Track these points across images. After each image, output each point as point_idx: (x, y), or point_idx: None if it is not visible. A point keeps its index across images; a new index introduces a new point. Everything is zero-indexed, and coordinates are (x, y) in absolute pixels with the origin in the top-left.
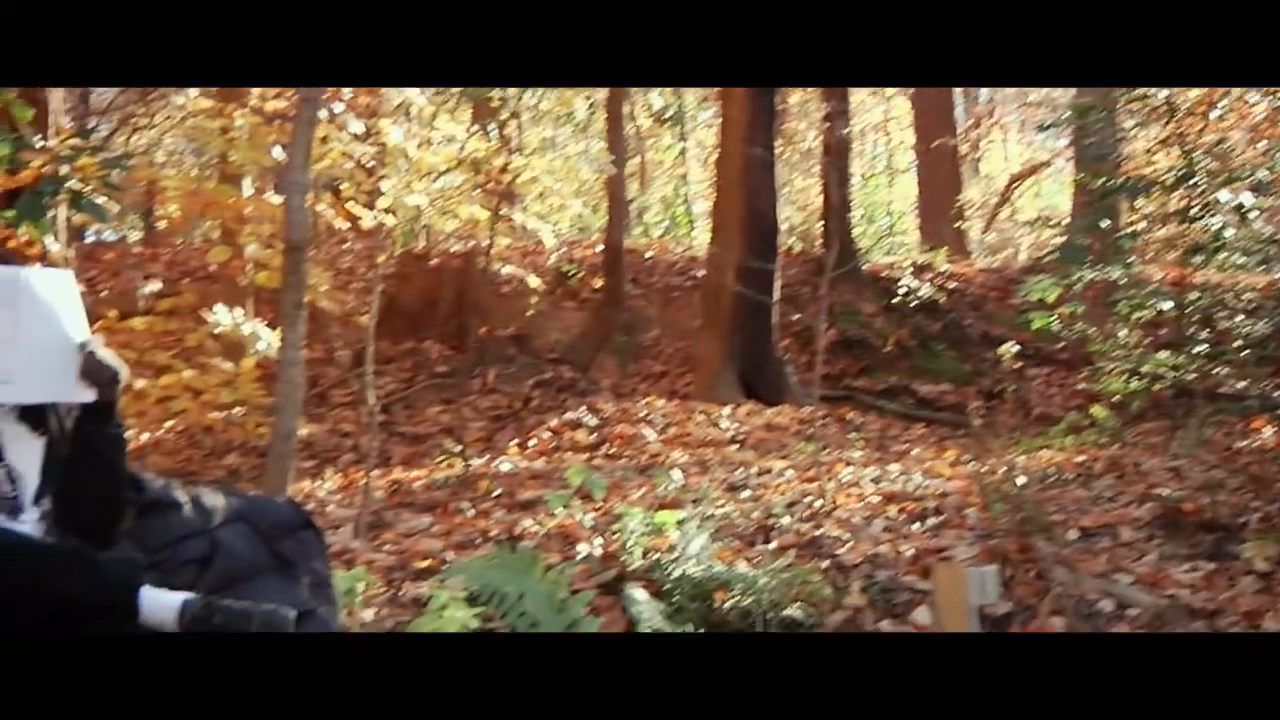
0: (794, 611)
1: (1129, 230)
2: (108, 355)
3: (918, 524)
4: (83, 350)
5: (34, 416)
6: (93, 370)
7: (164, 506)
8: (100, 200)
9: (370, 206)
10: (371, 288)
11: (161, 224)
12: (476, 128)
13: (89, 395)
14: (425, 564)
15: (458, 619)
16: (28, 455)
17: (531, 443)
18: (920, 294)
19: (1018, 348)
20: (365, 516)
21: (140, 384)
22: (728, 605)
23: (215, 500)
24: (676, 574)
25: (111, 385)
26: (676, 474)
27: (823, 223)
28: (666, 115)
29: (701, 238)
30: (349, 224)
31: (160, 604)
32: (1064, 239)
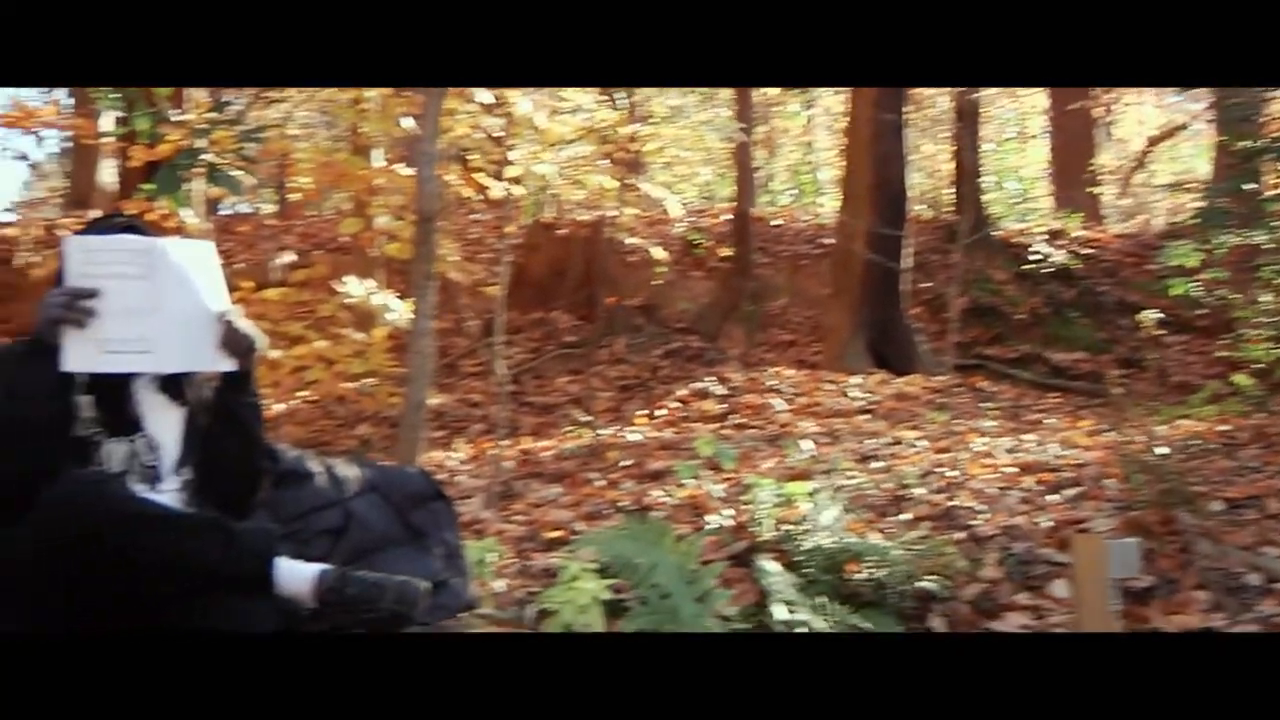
0: (928, 584)
1: (1274, 193)
2: (246, 324)
3: (1055, 495)
4: (221, 320)
5: (173, 387)
6: (231, 339)
7: (298, 477)
8: (235, 173)
9: (498, 177)
10: (500, 258)
11: (294, 196)
12: (604, 97)
13: (228, 364)
14: (555, 534)
15: (589, 590)
16: (167, 425)
17: (660, 413)
18: (1053, 260)
19: (1158, 314)
20: (495, 486)
21: (274, 354)
22: (860, 577)
23: (348, 471)
24: (808, 545)
25: (249, 354)
26: (807, 444)
27: (953, 189)
28: None
29: (829, 205)
30: (477, 194)
31: (295, 575)
32: (1204, 203)
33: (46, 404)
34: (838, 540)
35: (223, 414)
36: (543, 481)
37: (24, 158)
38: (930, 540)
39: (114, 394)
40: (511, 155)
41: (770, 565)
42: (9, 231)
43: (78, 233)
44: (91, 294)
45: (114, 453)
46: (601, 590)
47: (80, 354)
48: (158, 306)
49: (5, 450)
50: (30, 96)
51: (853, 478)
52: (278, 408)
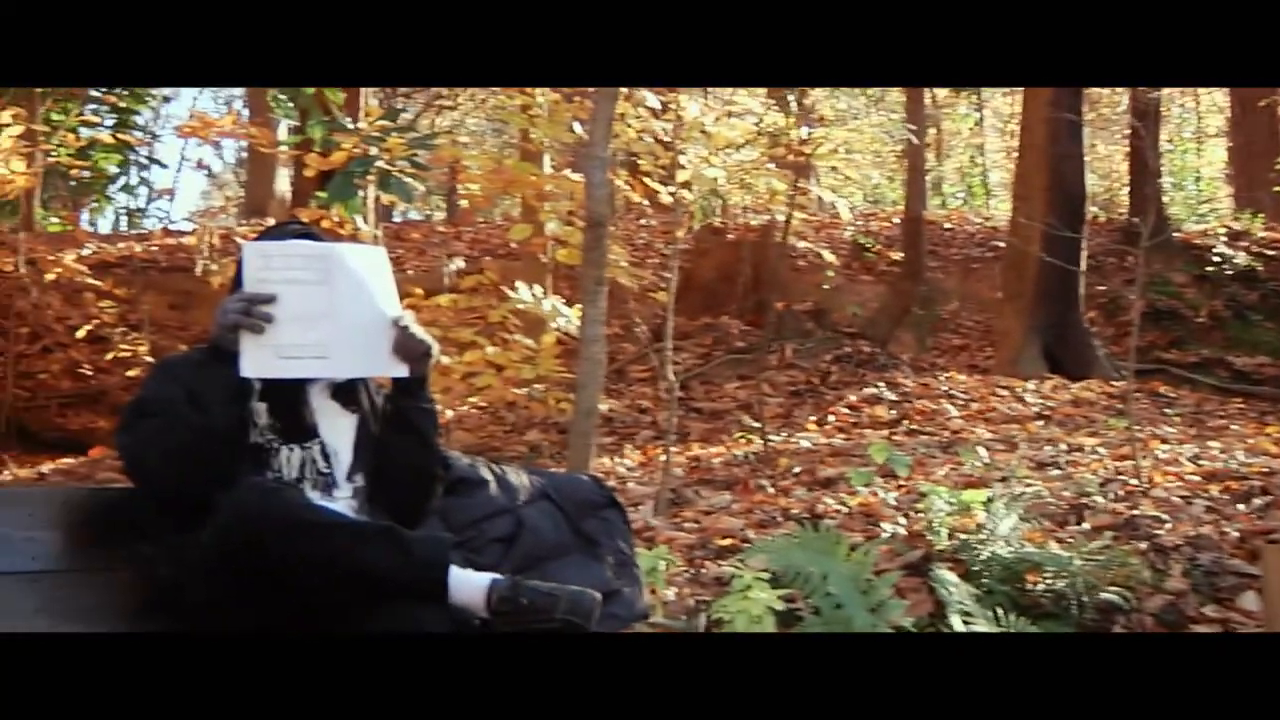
0: (1110, 595)
1: None
2: (419, 330)
3: (1243, 504)
4: (395, 325)
5: (346, 393)
6: (406, 345)
7: (470, 484)
8: (407, 180)
9: (667, 181)
10: (670, 263)
11: (463, 203)
12: (772, 100)
13: (401, 370)
14: (726, 542)
15: (762, 600)
16: (340, 432)
17: (830, 419)
18: (1235, 262)
19: None
20: (665, 493)
21: (445, 361)
22: (1040, 588)
23: (520, 478)
24: (985, 555)
25: (423, 360)
26: (982, 451)
27: (1128, 189)
28: None
29: (999, 208)
30: (646, 199)
31: (468, 584)
32: None
33: (224, 411)
34: (1016, 550)
35: (397, 421)
36: (713, 488)
37: (203, 168)
38: (1112, 550)
39: (289, 401)
40: (680, 159)
41: (947, 575)
42: (188, 240)
43: (254, 239)
44: (268, 299)
45: (289, 460)
46: (774, 600)
47: (257, 360)
48: (333, 312)
49: (185, 456)
50: (209, 107)
51: (1030, 485)
52: (448, 414)
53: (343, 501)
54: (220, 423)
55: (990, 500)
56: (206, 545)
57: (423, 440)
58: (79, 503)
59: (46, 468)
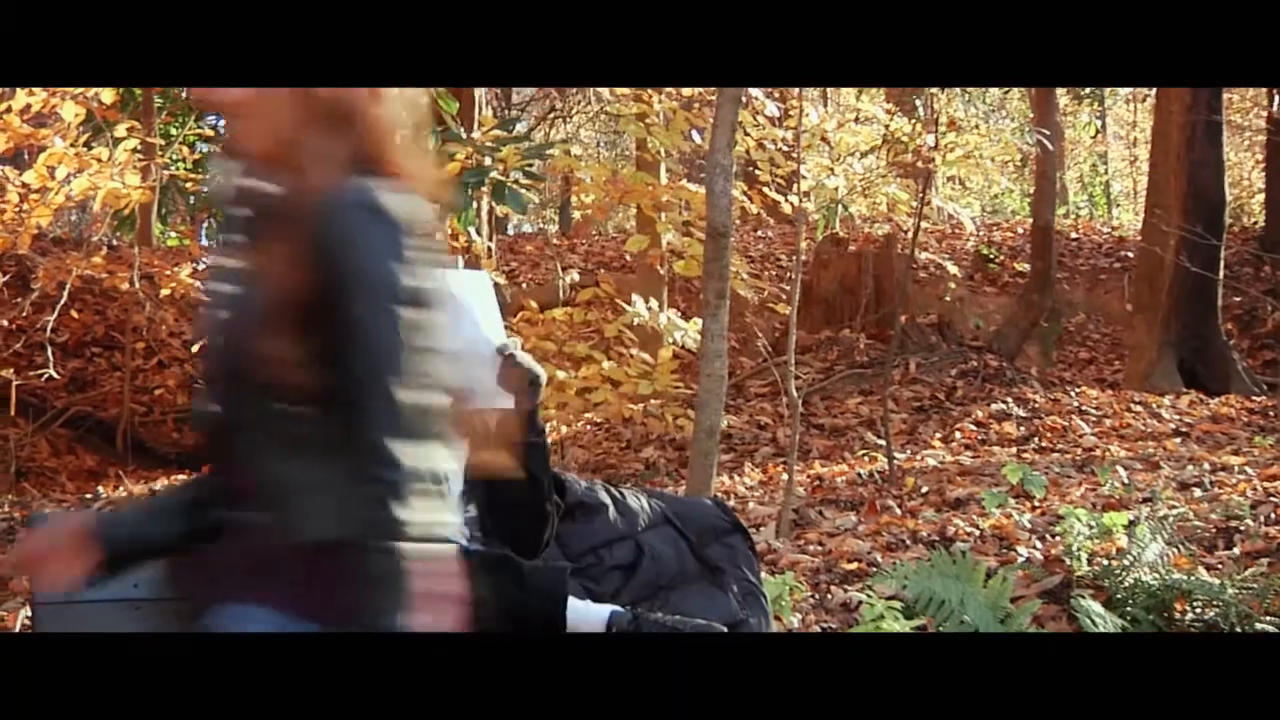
0: (1266, 625)
1: None
2: (526, 360)
3: None
4: (501, 354)
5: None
6: (511, 375)
7: (589, 509)
8: (521, 191)
9: (785, 191)
10: (790, 274)
11: (578, 215)
12: (896, 106)
13: (507, 402)
14: (852, 566)
15: (895, 631)
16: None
17: (957, 436)
18: None
19: None
20: (788, 514)
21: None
22: (1189, 618)
23: (640, 501)
24: (1129, 582)
25: (531, 391)
26: (1121, 471)
27: (1264, 195)
28: (1085, 91)
29: (1121, 218)
30: (764, 210)
31: (587, 616)
32: None
33: None
34: (1162, 576)
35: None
36: (837, 509)
37: None
38: (1269, 578)
39: None
40: (802, 169)
41: (1091, 604)
42: None
43: None
44: None
45: None
46: (908, 631)
47: None
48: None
49: None
50: None
51: (1174, 508)
52: (562, 430)
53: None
54: None
55: (1133, 523)
56: None
57: (531, 478)
58: None
59: (159, 484)
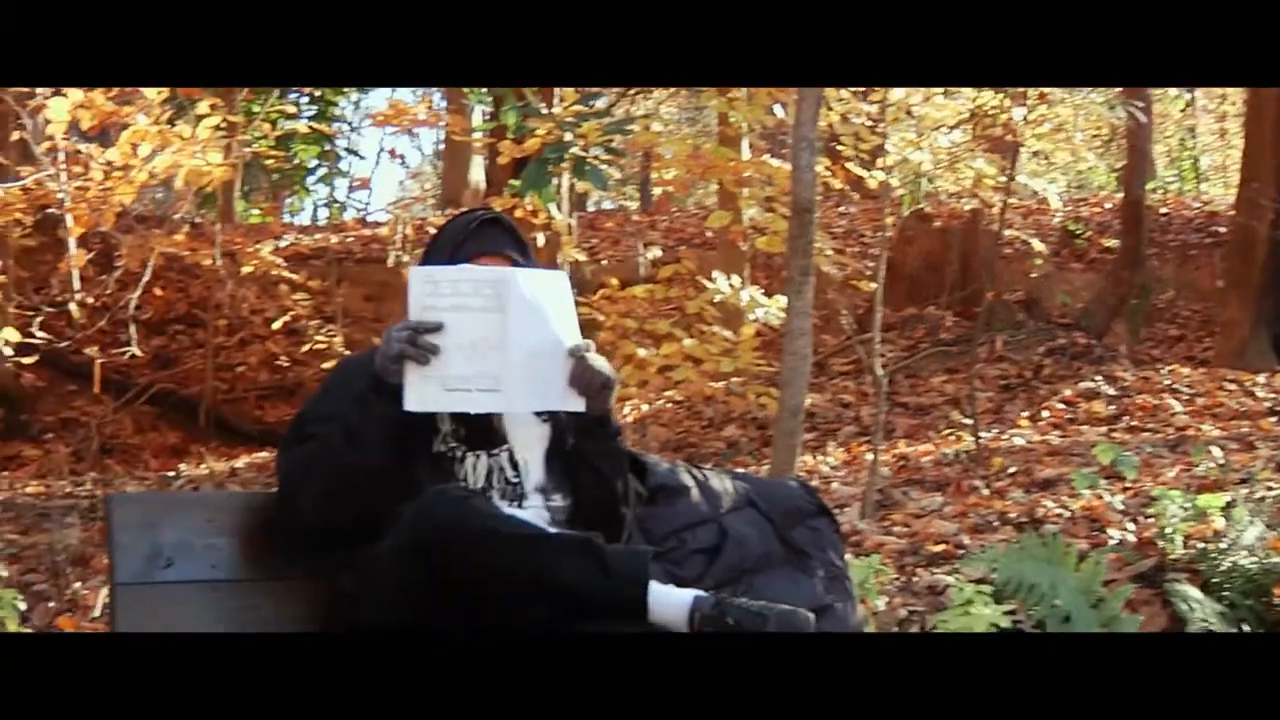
0: None
1: None
2: (599, 362)
3: None
4: (573, 356)
5: None
6: (583, 377)
7: (670, 491)
8: (602, 167)
9: (870, 166)
10: (875, 250)
11: (658, 191)
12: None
13: (579, 405)
14: (939, 548)
15: (985, 617)
16: (531, 442)
17: (1044, 415)
18: None
19: None
20: (872, 495)
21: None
22: None
23: (723, 483)
24: (1226, 565)
25: (603, 394)
26: (1216, 451)
27: None
28: None
29: (1211, 192)
30: (848, 185)
31: (669, 602)
32: None
33: (382, 450)
34: (1261, 560)
35: (577, 460)
36: (923, 490)
37: (396, 157)
38: None
39: (483, 419)
40: (887, 144)
41: (1188, 589)
42: (383, 231)
43: (440, 232)
44: (435, 328)
45: (475, 468)
46: (999, 616)
47: (422, 393)
48: (505, 341)
49: (334, 499)
50: (407, 98)
51: (1272, 489)
52: (644, 408)
53: (533, 512)
54: (378, 463)
55: (1230, 505)
56: (389, 556)
57: (605, 484)
58: (259, 508)
59: (241, 462)
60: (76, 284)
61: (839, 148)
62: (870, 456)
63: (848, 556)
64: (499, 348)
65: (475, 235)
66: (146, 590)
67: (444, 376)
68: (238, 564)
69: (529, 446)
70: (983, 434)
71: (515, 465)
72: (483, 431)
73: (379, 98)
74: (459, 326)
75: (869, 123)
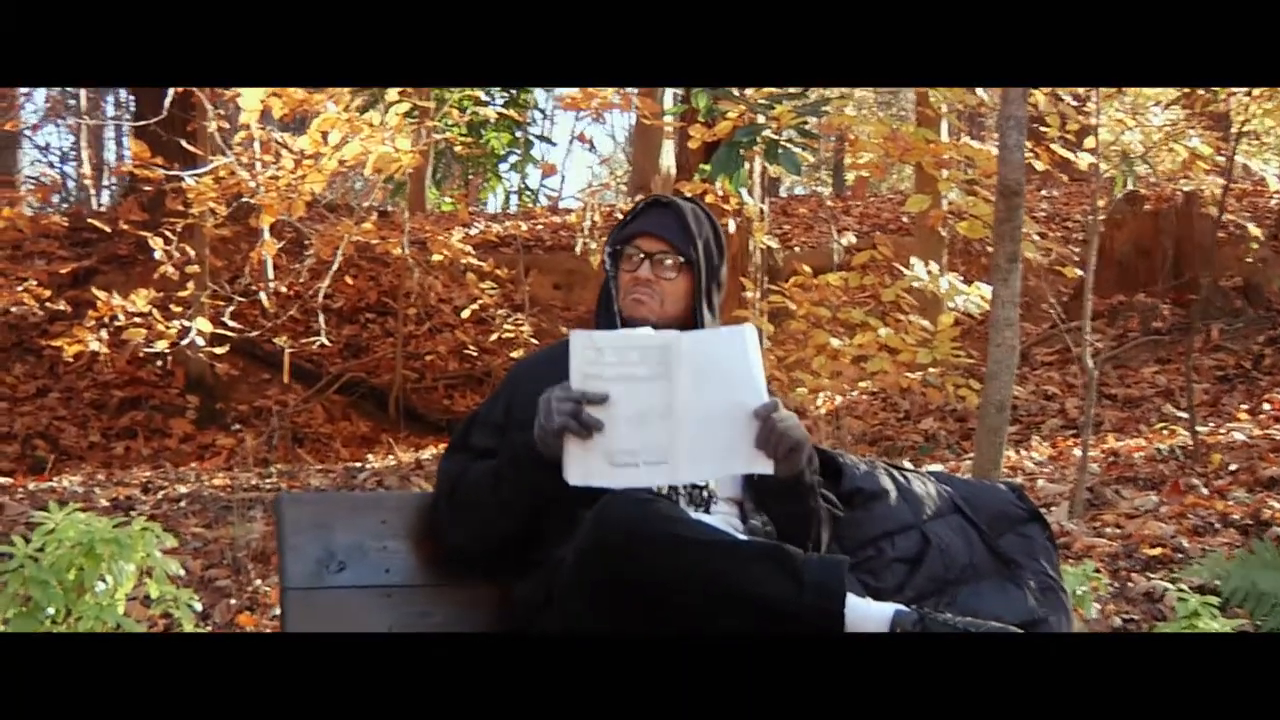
0: None
1: None
2: (787, 422)
3: None
4: (757, 418)
5: None
6: (769, 441)
7: (868, 496)
8: (796, 150)
9: (1076, 147)
10: (1083, 235)
11: (852, 175)
12: None
13: (766, 467)
14: (1155, 551)
15: (1213, 630)
16: None
17: (1265, 408)
18: None
19: None
20: (1081, 493)
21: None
22: None
23: (925, 487)
24: None
25: (792, 457)
26: None
27: None
28: None
29: None
30: (1051, 167)
31: (868, 616)
32: None
33: (534, 515)
34: None
35: (768, 517)
36: (1135, 488)
37: (584, 141)
38: None
39: None
40: (1095, 122)
41: None
42: (571, 218)
43: (617, 231)
44: (600, 399)
45: None
46: (1228, 631)
47: (585, 466)
48: (674, 410)
49: (488, 536)
50: None
51: None
52: (837, 400)
53: (720, 519)
54: (527, 526)
55: None
56: (571, 562)
57: (796, 538)
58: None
59: (428, 453)
60: (270, 273)
61: (1042, 129)
62: (1078, 452)
63: (1066, 568)
64: (667, 417)
65: (640, 216)
66: (317, 595)
67: (609, 450)
68: (413, 568)
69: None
70: (1199, 428)
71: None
72: None
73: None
74: (625, 397)
75: (1075, 102)
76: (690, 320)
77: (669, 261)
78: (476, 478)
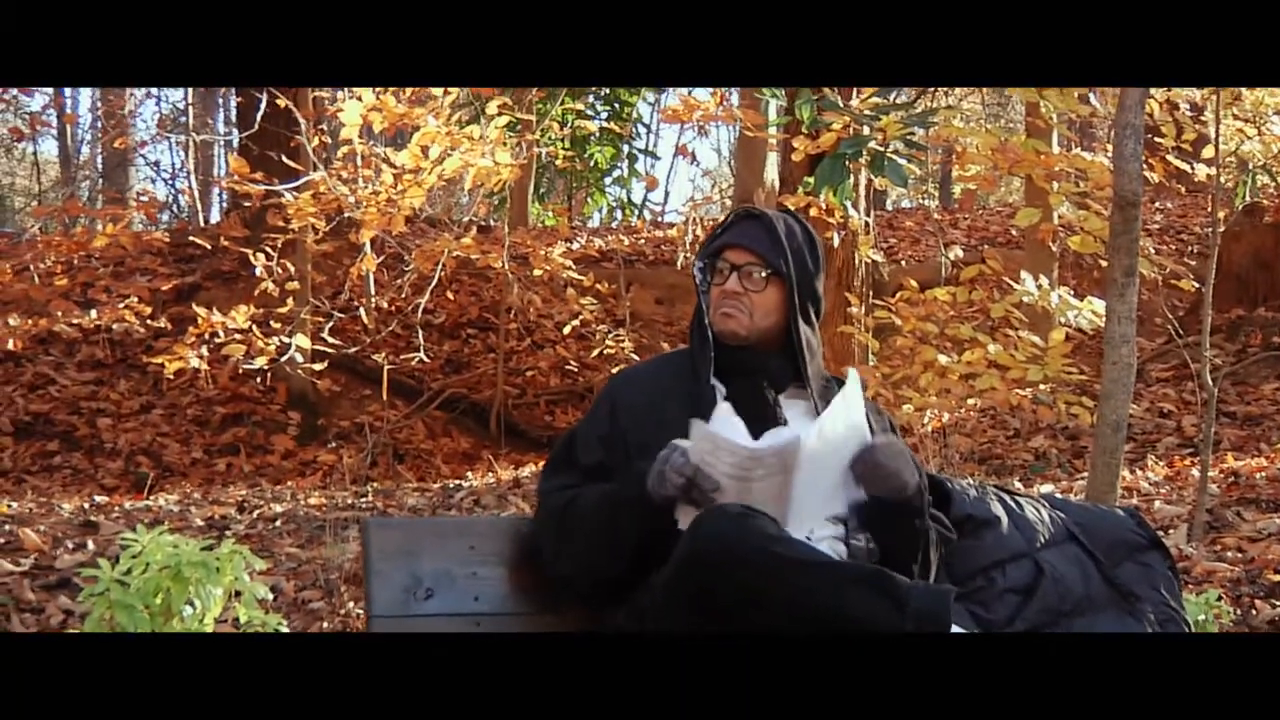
0: None
1: None
2: (882, 456)
3: None
4: (861, 459)
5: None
6: (874, 478)
7: (978, 523)
8: (901, 163)
9: (1189, 159)
10: (1199, 248)
11: (958, 188)
12: None
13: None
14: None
15: None
16: (821, 462)
17: None
18: None
19: None
20: (1201, 515)
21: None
22: None
23: (1039, 514)
24: None
25: (901, 493)
26: None
27: None
28: None
29: None
30: (1166, 178)
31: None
32: None
33: (640, 553)
34: None
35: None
36: (1258, 510)
37: (685, 154)
38: None
39: (757, 428)
40: (1211, 132)
41: None
42: (673, 233)
43: (707, 244)
44: (713, 487)
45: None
46: None
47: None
48: (789, 498)
49: (584, 567)
50: (698, 92)
51: None
52: (945, 417)
53: (825, 543)
54: (633, 563)
55: None
56: (663, 578)
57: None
58: (525, 535)
59: (527, 470)
60: (372, 288)
61: (1158, 141)
62: (1196, 472)
63: (1189, 597)
64: (780, 500)
65: (729, 229)
66: (404, 624)
67: None
68: (503, 595)
69: (819, 468)
70: None
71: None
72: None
73: (675, 96)
74: (738, 492)
75: (1191, 111)
76: (784, 334)
77: (757, 274)
78: (588, 508)
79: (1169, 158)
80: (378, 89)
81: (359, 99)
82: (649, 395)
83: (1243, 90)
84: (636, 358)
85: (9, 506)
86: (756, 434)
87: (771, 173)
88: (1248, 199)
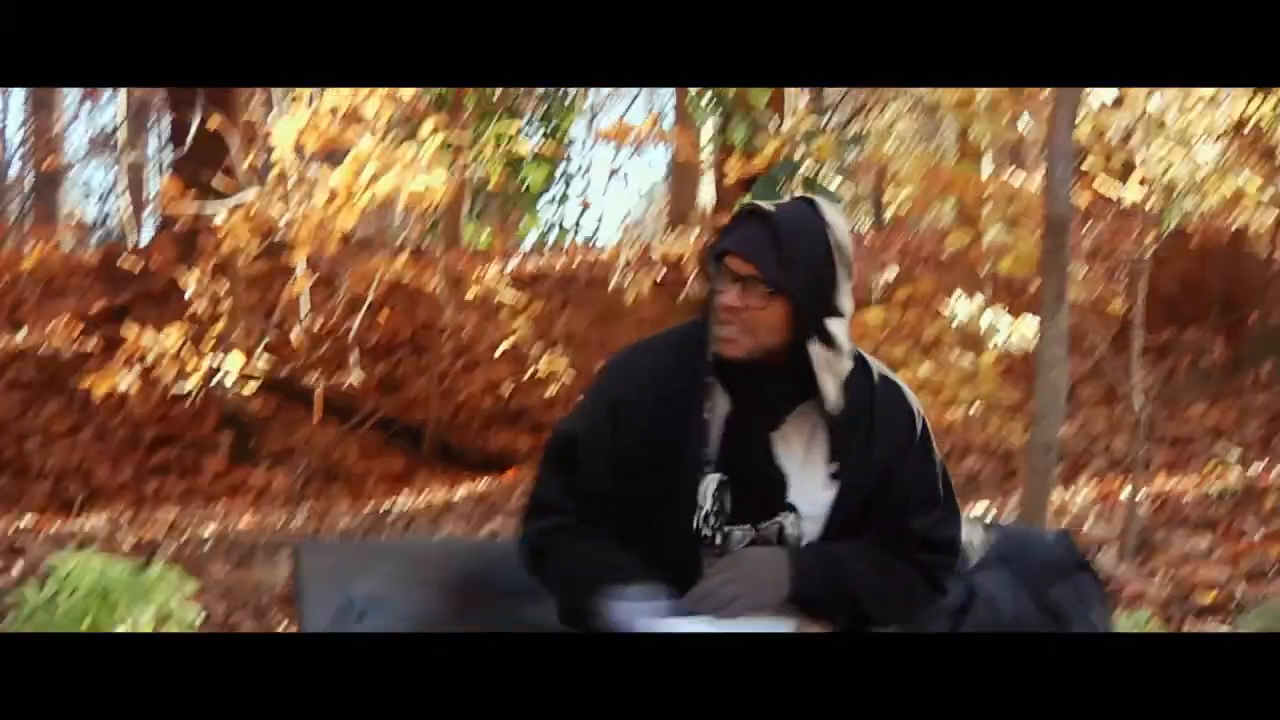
0: None
1: None
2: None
3: None
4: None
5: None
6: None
7: None
8: (835, 184)
9: (1122, 181)
10: (1130, 272)
11: (890, 210)
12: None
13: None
14: (1209, 598)
15: None
16: (815, 502)
17: None
18: None
19: None
20: (1131, 536)
21: None
22: None
23: (972, 536)
24: None
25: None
26: None
27: None
28: None
29: None
30: (1095, 201)
31: None
32: None
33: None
34: None
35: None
36: (1187, 531)
37: (617, 174)
38: None
39: (746, 482)
40: (1139, 157)
41: None
42: (605, 255)
43: (718, 241)
44: None
45: (740, 544)
46: None
47: None
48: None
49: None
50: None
51: None
52: None
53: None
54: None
55: None
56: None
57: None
58: (461, 556)
59: (460, 494)
60: (304, 309)
61: (1083, 168)
62: (1127, 494)
63: (1119, 615)
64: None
65: (734, 230)
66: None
67: None
68: (437, 618)
69: (813, 503)
70: (1252, 469)
71: (783, 540)
72: (759, 500)
73: (610, 116)
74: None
75: (1118, 138)
76: (791, 354)
77: (759, 290)
78: (562, 572)
79: (1098, 183)
80: (313, 106)
81: (292, 115)
82: (650, 406)
83: (1168, 118)
84: (568, 379)
85: None
86: (747, 498)
87: (706, 194)
88: (1174, 224)
